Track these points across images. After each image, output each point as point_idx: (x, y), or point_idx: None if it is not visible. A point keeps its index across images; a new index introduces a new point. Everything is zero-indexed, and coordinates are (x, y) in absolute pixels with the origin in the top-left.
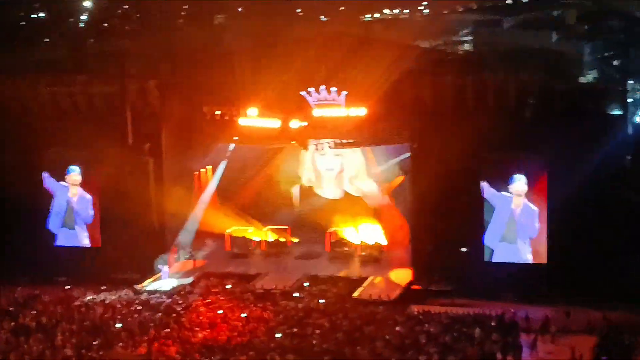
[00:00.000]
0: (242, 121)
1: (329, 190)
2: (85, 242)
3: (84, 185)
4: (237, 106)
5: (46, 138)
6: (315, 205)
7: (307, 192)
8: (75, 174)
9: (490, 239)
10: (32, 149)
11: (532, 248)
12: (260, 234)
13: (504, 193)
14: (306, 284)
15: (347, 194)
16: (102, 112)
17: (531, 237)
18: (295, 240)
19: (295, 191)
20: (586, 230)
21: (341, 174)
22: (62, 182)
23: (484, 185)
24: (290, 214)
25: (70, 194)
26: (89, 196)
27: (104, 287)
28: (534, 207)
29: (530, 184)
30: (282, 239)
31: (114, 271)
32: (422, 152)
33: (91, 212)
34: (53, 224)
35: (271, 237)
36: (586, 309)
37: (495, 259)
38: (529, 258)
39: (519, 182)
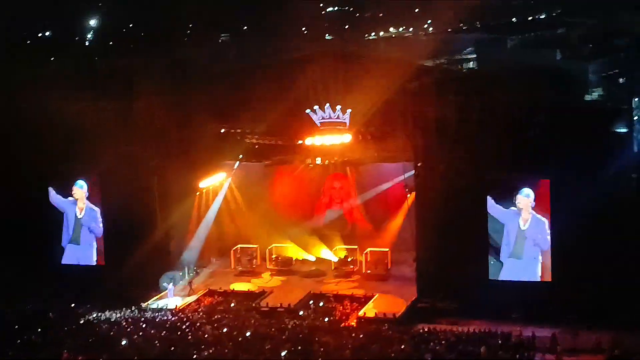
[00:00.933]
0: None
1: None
2: (92, 259)
3: (91, 200)
4: (243, 124)
5: (54, 154)
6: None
7: None
8: (82, 189)
9: (500, 255)
10: (40, 165)
11: (540, 265)
12: (268, 250)
13: (511, 208)
14: (311, 301)
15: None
16: (109, 129)
17: (543, 250)
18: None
19: None
20: (592, 249)
21: None
22: (69, 198)
23: (490, 201)
24: (295, 232)
25: (78, 209)
26: (96, 211)
27: (110, 305)
28: (543, 220)
29: (535, 202)
30: (287, 257)
31: (119, 289)
32: (426, 170)
33: (100, 226)
34: (62, 242)
35: (276, 254)
36: (594, 329)
37: (503, 276)
38: (538, 274)
39: (526, 196)
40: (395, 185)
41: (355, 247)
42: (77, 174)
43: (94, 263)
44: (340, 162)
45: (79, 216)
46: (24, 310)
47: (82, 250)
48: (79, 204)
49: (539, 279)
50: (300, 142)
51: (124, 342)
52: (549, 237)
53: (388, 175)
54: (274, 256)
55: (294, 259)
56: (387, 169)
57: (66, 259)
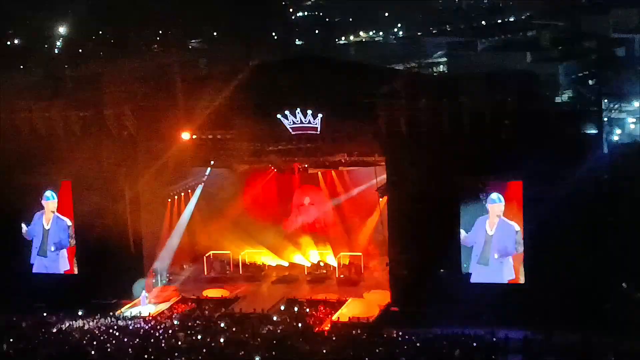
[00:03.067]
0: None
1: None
2: (63, 268)
3: (60, 210)
4: (213, 130)
5: (21, 163)
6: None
7: None
8: (51, 200)
9: (472, 261)
10: (7, 175)
11: (511, 268)
12: (240, 256)
13: (482, 216)
14: (284, 307)
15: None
16: (78, 137)
17: (510, 255)
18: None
19: None
20: (563, 251)
21: None
22: (38, 208)
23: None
24: (268, 238)
25: (46, 219)
26: (65, 221)
27: (81, 313)
28: (511, 224)
29: (506, 204)
30: (259, 262)
31: (91, 297)
32: (397, 174)
33: (68, 238)
34: (32, 251)
35: (248, 260)
36: (566, 331)
37: (473, 280)
38: (507, 278)
39: (495, 201)
40: (367, 190)
41: (329, 251)
42: (46, 184)
43: (66, 272)
44: (311, 167)
45: (47, 227)
46: None
47: (52, 260)
48: (46, 214)
49: (506, 282)
50: (271, 147)
51: (96, 351)
52: (517, 242)
53: (360, 180)
54: (247, 262)
55: (266, 264)
56: (358, 173)
57: (37, 269)
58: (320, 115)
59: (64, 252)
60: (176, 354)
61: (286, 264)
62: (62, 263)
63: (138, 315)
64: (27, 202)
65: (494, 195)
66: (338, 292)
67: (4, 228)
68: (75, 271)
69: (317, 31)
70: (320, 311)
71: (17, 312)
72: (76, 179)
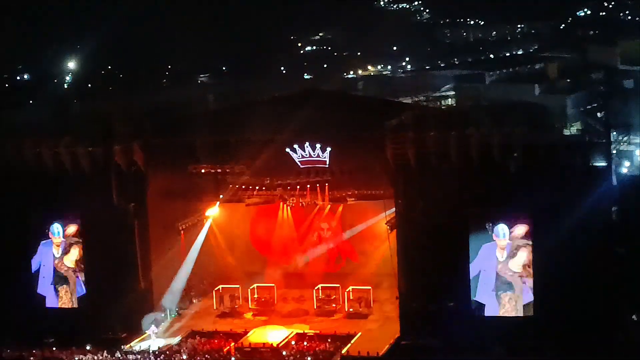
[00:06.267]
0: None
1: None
2: (72, 302)
3: (70, 245)
4: (222, 164)
5: (32, 199)
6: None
7: None
8: (58, 235)
9: (481, 292)
10: (18, 211)
11: (520, 300)
12: (249, 292)
13: (489, 244)
14: (294, 342)
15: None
16: (87, 173)
17: (521, 286)
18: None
19: None
20: (573, 283)
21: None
22: (47, 243)
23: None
24: (277, 272)
25: (57, 254)
26: (75, 256)
27: (90, 348)
28: (521, 254)
29: (515, 238)
30: (269, 296)
31: (100, 331)
32: (406, 207)
33: (78, 272)
34: (41, 285)
35: (258, 294)
36: None
37: (487, 312)
38: (518, 310)
39: (504, 234)
40: (377, 223)
41: (337, 285)
42: (56, 220)
43: (75, 306)
44: (320, 201)
45: (55, 261)
46: (1, 357)
47: (62, 295)
48: (54, 249)
49: (518, 316)
50: (279, 181)
51: None
52: (525, 275)
53: (369, 213)
54: (255, 296)
55: (275, 298)
56: (367, 206)
57: (44, 303)
58: (328, 149)
59: (74, 286)
60: None
61: (296, 297)
62: (72, 297)
63: (147, 349)
64: (35, 237)
65: (502, 226)
66: (347, 325)
67: (13, 263)
68: (85, 306)
69: (325, 65)
70: (330, 345)
71: (26, 346)
72: (86, 214)
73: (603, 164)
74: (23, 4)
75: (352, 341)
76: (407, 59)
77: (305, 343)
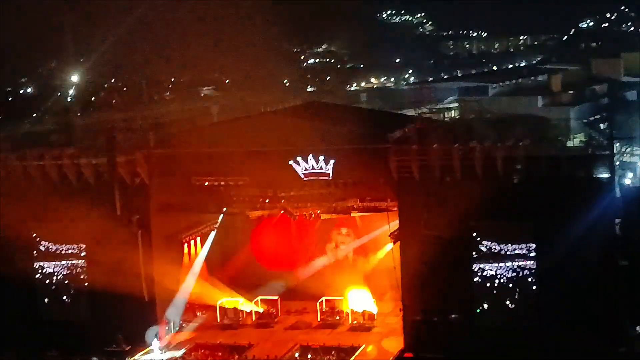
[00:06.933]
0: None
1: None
2: (75, 314)
3: (74, 257)
4: (226, 176)
5: (35, 211)
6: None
7: None
8: (65, 246)
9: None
10: (22, 223)
11: (523, 312)
12: (251, 304)
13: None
14: (297, 354)
15: (337, 260)
16: (91, 185)
17: (524, 297)
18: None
19: None
20: (576, 295)
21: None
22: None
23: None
24: (280, 284)
25: (60, 265)
26: (79, 268)
27: None
28: (526, 269)
29: (518, 250)
30: (272, 309)
31: (104, 344)
32: (410, 219)
33: (82, 284)
34: (45, 297)
35: (262, 307)
36: None
37: (491, 325)
38: (521, 322)
39: (506, 245)
40: (381, 235)
41: (341, 297)
42: (60, 232)
43: (79, 319)
44: (324, 213)
45: (60, 274)
46: None
47: (65, 307)
48: (59, 260)
49: (521, 327)
50: (283, 194)
51: None
52: (531, 287)
53: (372, 226)
54: (260, 308)
55: (278, 311)
56: (371, 219)
57: (49, 315)
58: (332, 161)
59: (76, 298)
60: None
61: (299, 309)
62: (76, 309)
63: None
64: (39, 249)
65: (503, 240)
66: (351, 338)
67: (16, 274)
68: (88, 317)
69: (328, 78)
70: (333, 358)
71: (30, 359)
72: (90, 225)
73: (606, 175)
74: (27, 17)
75: (356, 354)
76: (410, 71)
77: (309, 355)
